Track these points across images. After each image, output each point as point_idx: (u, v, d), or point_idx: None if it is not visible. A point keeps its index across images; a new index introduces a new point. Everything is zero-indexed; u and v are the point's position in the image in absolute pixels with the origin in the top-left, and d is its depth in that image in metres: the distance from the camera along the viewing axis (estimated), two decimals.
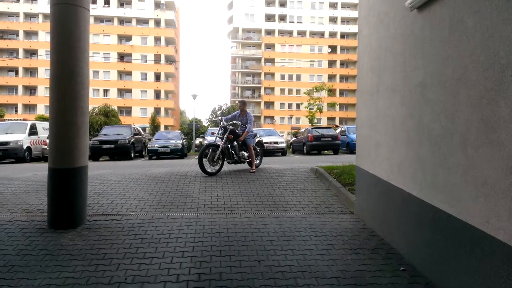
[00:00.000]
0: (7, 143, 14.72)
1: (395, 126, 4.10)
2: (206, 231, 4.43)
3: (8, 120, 22.85)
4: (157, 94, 60.24)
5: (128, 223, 4.68)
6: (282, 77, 67.09)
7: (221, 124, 8.07)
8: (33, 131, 16.25)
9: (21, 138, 15.13)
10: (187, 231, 4.43)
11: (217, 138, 8.16)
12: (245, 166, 8.97)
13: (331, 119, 64.03)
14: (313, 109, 39.52)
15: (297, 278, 3.35)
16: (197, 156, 8.48)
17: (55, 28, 4.56)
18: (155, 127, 41.29)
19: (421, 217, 3.52)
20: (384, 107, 4.39)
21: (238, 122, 8.28)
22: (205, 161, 7.64)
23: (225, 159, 8.15)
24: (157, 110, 56.33)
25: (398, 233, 4.03)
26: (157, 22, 60.95)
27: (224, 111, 36.83)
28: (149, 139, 21.73)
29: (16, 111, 55.24)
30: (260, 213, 5.23)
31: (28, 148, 15.35)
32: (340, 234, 4.46)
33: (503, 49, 2.37)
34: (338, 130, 20.95)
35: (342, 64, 67.04)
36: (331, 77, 66.12)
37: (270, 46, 67.96)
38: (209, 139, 18.01)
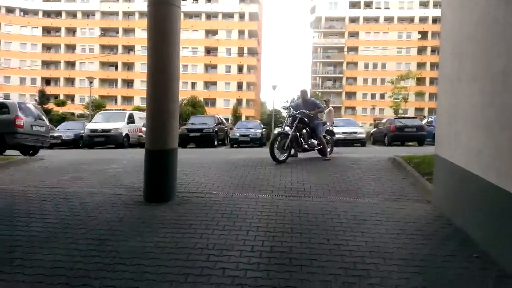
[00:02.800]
0: (108, 130, 16.65)
1: (475, 114, 3.96)
2: (280, 211, 4.74)
3: (110, 110, 25.56)
4: (239, 86, 62.23)
5: (211, 200, 5.19)
6: (366, 66, 64.56)
7: (291, 112, 8.28)
8: (131, 120, 18.11)
9: (121, 126, 16.99)
10: (262, 209, 4.78)
11: (286, 127, 8.24)
12: (315, 154, 9.03)
13: (419, 109, 60.01)
14: (397, 99, 37.50)
15: (364, 257, 3.50)
16: None
17: (151, 25, 5.20)
18: (236, 117, 42.83)
19: (497, 204, 3.41)
20: (464, 94, 4.24)
21: (306, 111, 8.24)
22: (275, 149, 7.76)
23: (294, 147, 8.23)
24: (239, 101, 58.23)
25: (474, 221, 3.93)
26: (241, 16, 62.67)
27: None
28: (231, 129, 22.75)
29: (116, 102, 61.29)
30: (332, 197, 5.39)
31: (127, 135, 17.17)
32: (413, 221, 4.45)
33: None
34: (425, 121, 19.76)
35: (433, 51, 62.10)
36: (420, 65, 61.84)
37: (354, 34, 65.72)
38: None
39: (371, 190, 5.77)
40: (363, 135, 17.39)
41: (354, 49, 64.62)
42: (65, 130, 18.37)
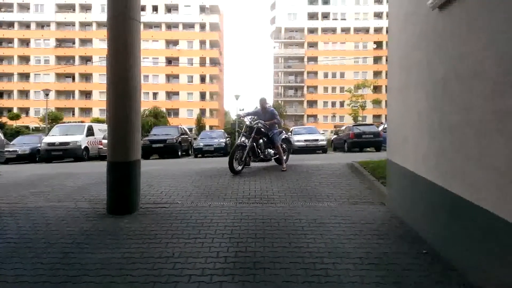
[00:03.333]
0: (67, 143, 16.15)
1: (421, 119, 4.32)
2: (244, 218, 4.88)
3: (68, 122, 24.74)
4: (202, 96, 62.07)
5: (175, 210, 5.25)
6: (326, 75, 66.52)
7: (245, 120, 8.38)
8: (90, 132, 17.66)
9: (79, 139, 16.53)
10: (226, 217, 4.91)
11: (243, 138, 8.22)
12: (272, 163, 9.14)
13: (377, 116, 62.47)
14: (355, 106, 38.91)
15: (323, 257, 3.71)
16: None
17: (111, 38, 5.23)
18: (200, 127, 42.69)
19: (442, 204, 3.74)
20: (411, 101, 4.61)
21: (262, 122, 8.22)
22: (234, 161, 7.73)
23: (251, 157, 8.30)
24: (202, 111, 58.05)
25: (423, 221, 4.26)
26: (202, 26, 62.79)
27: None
28: (195, 139, 22.68)
29: (73, 114, 59.23)
30: (294, 203, 5.60)
31: (86, 148, 16.73)
32: (369, 222, 4.74)
33: (510, 46, 2.61)
34: (381, 127, 20.68)
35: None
36: (376, 74, 64.56)
37: (313, 45, 67.64)
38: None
39: (330, 195, 6.04)
40: (324, 142, 17.93)
41: (314, 59, 66.42)
42: (21, 145, 17.59)
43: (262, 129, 8.19)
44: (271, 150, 8.51)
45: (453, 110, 3.52)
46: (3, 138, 11.82)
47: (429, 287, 3.16)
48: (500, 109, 2.76)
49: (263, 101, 8.65)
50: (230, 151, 7.98)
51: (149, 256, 3.73)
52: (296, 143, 17.65)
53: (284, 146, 9.03)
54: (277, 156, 8.56)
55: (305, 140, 17.58)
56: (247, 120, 8.44)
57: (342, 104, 61.56)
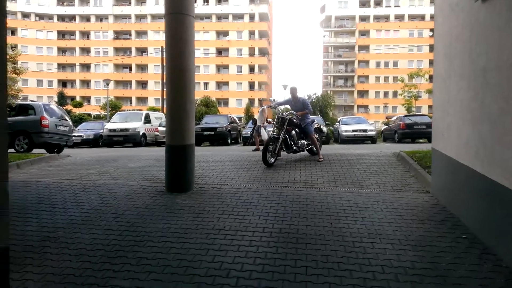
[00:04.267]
0: (126, 129, 17.33)
1: (463, 108, 4.38)
2: (288, 200, 5.22)
3: (127, 110, 26.30)
4: (251, 86, 62.78)
5: (226, 191, 5.70)
6: (378, 64, 64.47)
7: (278, 114, 8.05)
8: (147, 119, 18.79)
9: (138, 126, 17.66)
10: (272, 198, 5.27)
11: (275, 129, 7.89)
12: (305, 154, 8.86)
13: (432, 107, 59.70)
14: (408, 97, 37.50)
15: (362, 237, 3.96)
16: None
17: (168, 34, 5.72)
18: (249, 116, 43.35)
19: (482, 191, 3.84)
20: (454, 90, 4.66)
21: (294, 112, 8.06)
22: (267, 154, 7.54)
23: (284, 149, 8.04)
24: (251, 101, 58.76)
25: (464, 207, 4.35)
26: (252, 17, 63.21)
27: (313, 100, 37.13)
28: (244, 127, 23.27)
29: (131, 103, 62.45)
30: (337, 188, 5.84)
31: (144, 134, 17.84)
32: (410, 208, 4.88)
33: None
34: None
35: None
36: (432, 63, 61.40)
37: (364, 33, 65.68)
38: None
39: (374, 182, 6.20)
40: (373, 133, 17.71)
41: (365, 48, 64.53)
42: (85, 130, 19.14)
43: (294, 120, 7.99)
44: (304, 141, 8.30)
45: (493, 100, 3.59)
46: (71, 124, 13.02)
47: (463, 268, 3.31)
48: None
49: (293, 90, 8.39)
50: (264, 145, 7.66)
51: (203, 228, 4.19)
52: (344, 133, 17.60)
53: (316, 136, 8.76)
54: (310, 147, 8.41)
55: (353, 130, 17.47)
56: (278, 111, 8.26)
57: (395, 94, 59.41)
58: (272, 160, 7.63)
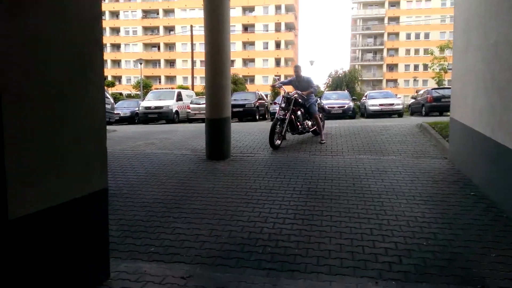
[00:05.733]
0: (161, 107, 18.25)
1: (477, 79, 4.80)
2: (315, 165, 5.84)
3: (160, 89, 27.31)
4: (277, 62, 62.60)
5: (259, 158, 6.38)
6: (408, 36, 62.55)
7: (283, 93, 7.70)
8: (179, 97, 19.64)
9: (171, 103, 18.55)
10: (301, 164, 5.90)
11: (281, 111, 7.36)
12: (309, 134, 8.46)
13: None
14: (438, 69, 36.57)
15: (380, 194, 4.55)
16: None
17: (207, 14, 6.29)
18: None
19: (491, 154, 4.32)
20: (470, 62, 5.06)
21: (299, 92, 7.58)
22: (275, 135, 7.13)
23: (289, 131, 7.59)
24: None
25: (476, 169, 4.84)
26: None
27: (340, 75, 36.81)
28: (271, 104, 23.77)
29: (160, 82, 63.84)
30: (360, 156, 6.39)
31: (176, 111, 18.74)
32: (427, 172, 5.39)
33: None
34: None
35: None
36: None
37: (394, 4, 63.59)
38: (325, 102, 19.11)
39: (396, 150, 6.70)
40: (400, 107, 17.80)
41: (395, 19, 62.61)
42: (122, 108, 20.19)
43: (300, 100, 7.63)
44: (309, 122, 7.96)
45: (502, 71, 4.02)
46: (113, 101, 13.96)
47: (467, 218, 3.85)
48: None
49: (297, 69, 7.98)
50: (271, 126, 7.17)
51: (242, 187, 4.89)
52: (371, 108, 17.80)
53: (320, 115, 8.23)
54: (315, 127, 8.03)
55: (380, 105, 17.64)
56: (282, 91, 7.84)
57: (425, 67, 57.71)
58: (279, 142, 7.26)
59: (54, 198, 2.21)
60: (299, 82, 7.84)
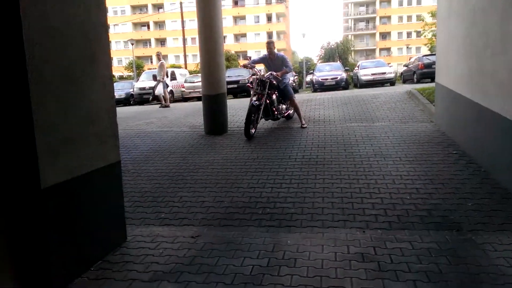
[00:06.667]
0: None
1: (458, 45, 5.06)
2: (309, 135, 6.15)
3: (153, 69, 27.23)
4: (269, 36, 61.78)
5: (256, 131, 6.68)
6: (400, 3, 61.79)
7: (255, 74, 6.63)
8: (173, 76, 19.67)
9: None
10: (295, 135, 6.21)
11: (254, 97, 6.41)
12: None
13: None
14: (428, 36, 36.46)
15: (369, 157, 4.89)
16: (307, 91, 7.65)
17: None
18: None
19: (471, 113, 4.64)
20: (453, 29, 5.31)
21: (274, 73, 6.59)
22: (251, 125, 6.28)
23: (263, 117, 6.72)
24: None
25: (458, 129, 5.18)
26: None
27: (332, 46, 36.69)
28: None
29: (151, 62, 63.17)
30: (351, 124, 6.70)
31: (171, 91, 18.82)
32: (414, 135, 5.72)
33: None
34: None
35: None
36: None
37: None
38: (318, 74, 19.26)
39: (385, 117, 7.01)
40: (392, 75, 17.98)
41: None
42: (116, 90, 20.26)
43: (274, 82, 6.66)
44: (283, 105, 7.08)
45: (478, 36, 4.30)
46: None
47: (448, 174, 4.21)
48: (506, 32, 3.56)
49: (271, 45, 6.91)
50: (247, 113, 6.20)
51: (240, 158, 5.22)
52: (363, 77, 17.99)
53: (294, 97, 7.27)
54: (288, 112, 7.29)
55: (372, 74, 17.82)
56: (255, 71, 6.72)
57: (419, 34, 57.38)
58: (253, 131, 6.32)
59: (77, 169, 2.52)
60: (272, 60, 6.87)
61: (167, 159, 5.41)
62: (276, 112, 6.78)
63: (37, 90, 2.19)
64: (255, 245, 2.94)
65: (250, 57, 6.68)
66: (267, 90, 6.43)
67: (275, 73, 6.61)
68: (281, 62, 6.86)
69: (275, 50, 6.99)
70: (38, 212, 2.27)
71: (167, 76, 12.39)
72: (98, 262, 2.75)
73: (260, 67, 7.08)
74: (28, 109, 2.14)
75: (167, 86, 13.00)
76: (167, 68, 14.38)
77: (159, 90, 12.00)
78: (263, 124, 7.17)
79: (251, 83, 6.83)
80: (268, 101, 6.52)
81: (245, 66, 6.90)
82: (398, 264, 2.57)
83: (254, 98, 6.38)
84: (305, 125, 6.74)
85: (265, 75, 6.56)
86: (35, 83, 2.17)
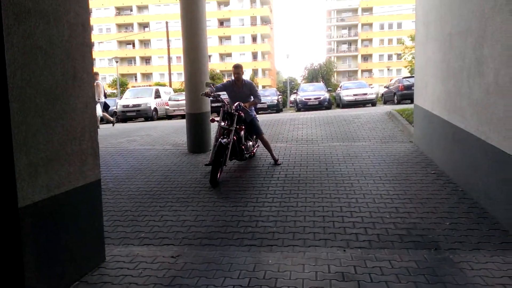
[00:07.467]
0: (139, 105, 18.26)
1: (436, 68, 5.25)
2: (292, 153, 6.21)
3: (138, 86, 27.17)
4: (254, 56, 62.82)
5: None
6: (381, 26, 63.80)
7: (223, 107, 5.48)
8: (157, 94, 19.65)
9: (150, 101, 18.57)
10: (278, 153, 6.25)
11: (221, 131, 5.32)
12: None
13: None
14: (408, 58, 37.70)
15: (350, 176, 4.96)
16: (290, 110, 7.48)
17: (183, 15, 6.54)
18: None
19: (448, 134, 4.78)
20: (430, 53, 5.51)
21: (242, 104, 5.45)
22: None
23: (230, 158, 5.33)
24: (255, 72, 59.08)
25: (436, 150, 5.31)
26: None
27: (315, 67, 37.42)
28: None
29: (136, 79, 63.10)
30: (333, 143, 6.80)
31: (155, 108, 18.78)
32: (393, 155, 5.84)
33: (487, 7, 3.56)
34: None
35: None
36: None
37: None
38: (301, 94, 19.56)
39: (366, 136, 7.14)
40: (373, 96, 18.39)
41: (369, 10, 63.77)
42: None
43: (242, 115, 5.58)
44: (250, 143, 5.88)
45: (455, 59, 4.47)
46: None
47: (427, 194, 4.29)
48: (480, 56, 3.73)
49: (238, 69, 5.74)
50: (213, 155, 5.01)
51: (223, 177, 5.21)
52: (345, 98, 18.34)
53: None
54: (254, 150, 6.08)
55: (354, 95, 18.19)
56: (221, 100, 5.51)
57: (399, 56, 59.14)
58: (219, 175, 5.07)
59: (56, 188, 2.49)
60: (239, 88, 5.72)
61: (149, 177, 5.37)
62: (244, 151, 5.61)
63: (18, 108, 2.17)
64: (236, 264, 2.93)
65: (213, 84, 5.66)
66: (235, 124, 5.30)
67: (242, 104, 5.47)
68: (249, 91, 5.77)
69: (243, 77, 5.83)
70: (14, 230, 2.22)
71: (105, 97, 12.25)
72: (75, 283, 2.68)
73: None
74: (7, 127, 2.12)
75: (109, 106, 12.90)
76: (151, 86, 14.35)
77: (98, 112, 10.83)
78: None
79: (214, 117, 5.89)
80: (235, 138, 5.33)
81: (207, 95, 5.56)
82: (378, 283, 2.59)
83: (223, 136, 5.18)
84: (279, 162, 5.74)
85: (233, 107, 5.39)
86: (16, 101, 2.16)
